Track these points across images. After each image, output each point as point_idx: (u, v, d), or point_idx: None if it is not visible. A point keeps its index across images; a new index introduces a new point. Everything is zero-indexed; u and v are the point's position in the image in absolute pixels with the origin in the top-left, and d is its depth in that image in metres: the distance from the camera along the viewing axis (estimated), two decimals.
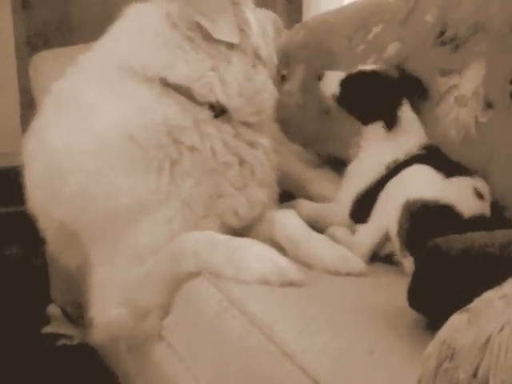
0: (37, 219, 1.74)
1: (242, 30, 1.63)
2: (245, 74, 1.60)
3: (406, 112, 1.68)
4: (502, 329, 0.71)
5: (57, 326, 2.34)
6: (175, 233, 1.47)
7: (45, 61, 2.47)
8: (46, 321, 2.38)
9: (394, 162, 1.60)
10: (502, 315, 0.73)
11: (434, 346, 0.79)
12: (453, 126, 1.61)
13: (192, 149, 1.53)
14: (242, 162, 1.61)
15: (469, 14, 1.70)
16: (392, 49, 1.92)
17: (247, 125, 1.63)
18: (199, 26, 1.56)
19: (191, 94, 1.55)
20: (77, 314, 2.14)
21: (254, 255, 1.36)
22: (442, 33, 1.75)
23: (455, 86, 1.65)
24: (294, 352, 1.06)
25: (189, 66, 1.54)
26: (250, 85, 1.61)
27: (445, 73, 1.69)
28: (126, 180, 1.49)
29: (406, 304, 1.12)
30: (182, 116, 1.53)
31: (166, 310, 1.45)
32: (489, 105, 1.54)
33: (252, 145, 1.64)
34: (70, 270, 1.77)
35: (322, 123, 2.13)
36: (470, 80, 1.62)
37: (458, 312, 0.81)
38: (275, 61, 1.75)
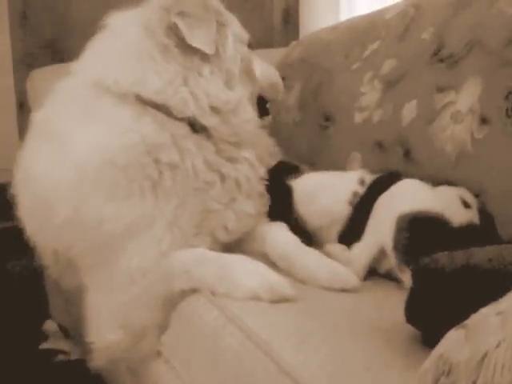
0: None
1: (219, 47, 1.61)
2: (216, 88, 1.58)
3: None
4: (498, 345, 0.71)
5: (54, 342, 2.33)
6: (165, 253, 1.46)
7: (42, 77, 2.47)
8: (44, 337, 2.37)
9: (355, 194, 1.63)
10: (498, 332, 0.73)
11: (430, 361, 0.79)
12: (449, 142, 1.62)
13: (172, 166, 1.51)
14: (224, 178, 1.58)
15: (465, 31, 1.71)
16: (388, 66, 1.93)
17: (228, 141, 1.62)
18: (176, 32, 1.55)
19: (168, 110, 1.54)
20: (74, 330, 2.13)
21: (245, 271, 1.36)
22: (438, 50, 1.76)
23: (451, 103, 1.65)
24: (291, 368, 1.05)
25: (161, 81, 1.53)
26: (222, 100, 1.58)
27: (441, 89, 1.70)
28: (110, 207, 1.47)
29: (403, 319, 1.12)
30: (159, 133, 1.51)
31: (162, 328, 1.45)
32: (485, 121, 1.55)
33: (234, 160, 1.62)
34: (68, 289, 1.77)
35: (319, 140, 2.14)
36: (466, 96, 1.62)
37: (455, 328, 0.81)
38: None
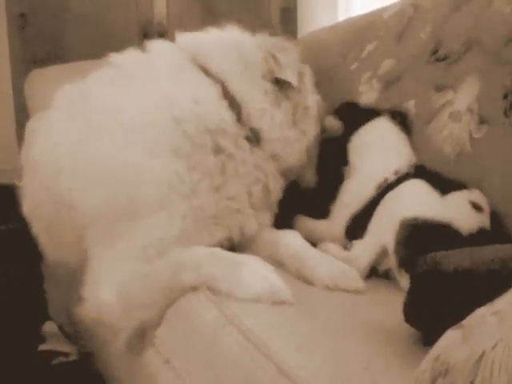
0: (32, 224, 1.73)
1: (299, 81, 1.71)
2: (284, 123, 1.67)
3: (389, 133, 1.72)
4: (495, 346, 0.71)
5: (54, 344, 2.33)
6: (186, 233, 1.48)
7: (41, 78, 2.48)
8: (43, 338, 2.37)
9: (385, 181, 1.61)
10: (495, 332, 0.73)
11: (427, 362, 0.79)
12: (447, 141, 1.62)
13: (221, 152, 1.57)
14: (257, 189, 1.65)
15: (462, 31, 1.71)
16: (386, 65, 1.94)
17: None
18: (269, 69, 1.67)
19: (239, 112, 1.61)
20: (74, 332, 2.13)
21: (252, 273, 1.36)
22: (436, 49, 1.77)
23: (449, 102, 1.66)
24: (290, 369, 1.05)
25: (246, 83, 1.64)
26: (282, 136, 1.67)
27: (439, 89, 1.70)
28: (149, 160, 1.50)
29: (402, 319, 1.13)
30: (224, 122, 1.58)
31: (156, 318, 1.45)
32: (483, 120, 1.55)
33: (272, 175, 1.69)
34: (65, 279, 1.76)
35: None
36: (464, 96, 1.62)
37: (452, 328, 0.81)
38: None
